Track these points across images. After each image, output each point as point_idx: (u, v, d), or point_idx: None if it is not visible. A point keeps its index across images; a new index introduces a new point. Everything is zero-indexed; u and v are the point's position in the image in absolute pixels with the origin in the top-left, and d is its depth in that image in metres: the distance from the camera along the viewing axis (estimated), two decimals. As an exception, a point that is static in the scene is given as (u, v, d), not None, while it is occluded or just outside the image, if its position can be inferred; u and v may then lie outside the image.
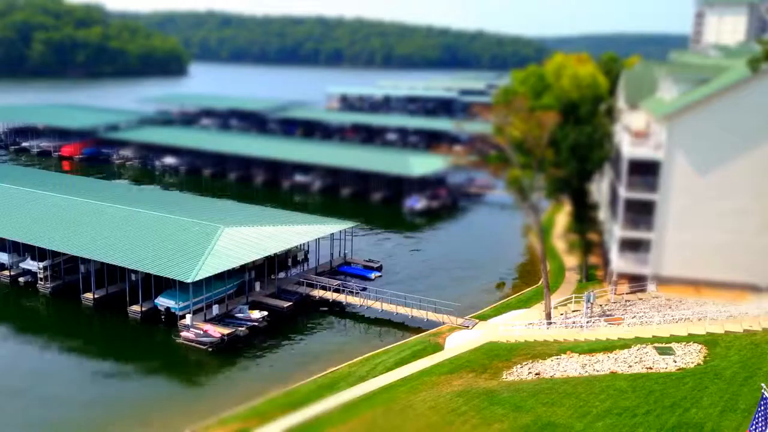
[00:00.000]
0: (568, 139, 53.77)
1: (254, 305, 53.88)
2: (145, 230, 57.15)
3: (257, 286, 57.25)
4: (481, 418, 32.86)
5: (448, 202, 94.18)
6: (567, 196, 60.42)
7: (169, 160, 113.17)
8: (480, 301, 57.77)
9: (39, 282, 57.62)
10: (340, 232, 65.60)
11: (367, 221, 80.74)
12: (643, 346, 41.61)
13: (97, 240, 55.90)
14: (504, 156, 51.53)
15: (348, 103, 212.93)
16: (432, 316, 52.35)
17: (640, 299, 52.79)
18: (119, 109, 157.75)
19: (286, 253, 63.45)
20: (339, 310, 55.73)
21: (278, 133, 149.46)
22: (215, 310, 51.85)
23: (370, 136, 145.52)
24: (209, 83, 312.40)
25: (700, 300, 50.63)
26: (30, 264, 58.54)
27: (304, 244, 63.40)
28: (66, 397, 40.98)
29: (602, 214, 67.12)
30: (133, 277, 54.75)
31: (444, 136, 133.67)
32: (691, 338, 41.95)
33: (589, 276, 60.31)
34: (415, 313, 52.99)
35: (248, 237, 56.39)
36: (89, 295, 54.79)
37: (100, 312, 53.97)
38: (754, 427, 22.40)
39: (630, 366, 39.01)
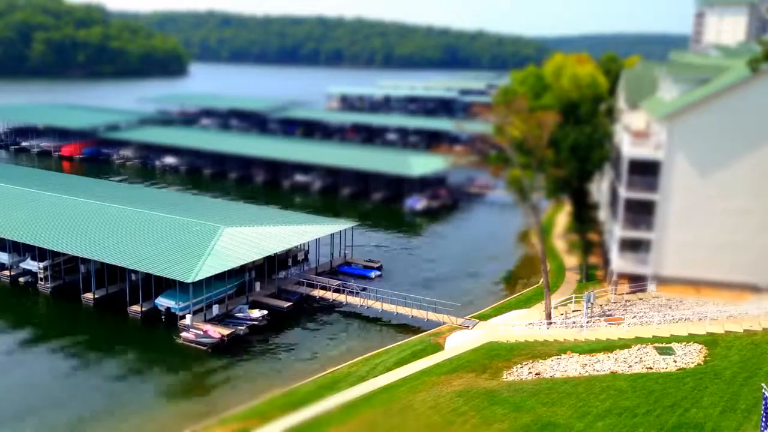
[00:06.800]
0: (568, 139, 53.76)
1: (254, 305, 53.84)
2: (146, 230, 57.15)
3: (257, 286, 57.24)
4: (481, 418, 32.88)
5: (448, 202, 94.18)
6: (567, 196, 60.42)
7: (170, 159, 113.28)
8: (480, 301, 57.77)
9: (39, 282, 57.64)
10: (340, 232, 65.59)
11: (367, 221, 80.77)
12: (644, 346, 41.62)
13: (97, 240, 55.90)
14: (504, 156, 51.54)
15: (348, 103, 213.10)
16: (432, 316, 52.34)
17: (640, 299, 52.76)
18: (119, 109, 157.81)
19: (286, 253, 63.46)
20: (339, 310, 55.74)
21: (278, 133, 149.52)
22: (215, 310, 51.85)
23: (370, 136, 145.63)
24: (209, 83, 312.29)
25: (700, 300, 50.61)
26: (30, 264, 58.54)
27: (304, 244, 63.44)
28: (65, 397, 40.99)
29: (602, 214, 67.09)
30: (133, 277, 54.75)
31: (444, 136, 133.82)
32: (691, 338, 41.96)
33: (589, 276, 60.28)
34: (415, 313, 52.98)
35: (248, 237, 56.39)
36: (89, 295, 54.82)
37: (101, 312, 53.99)
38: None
39: (630, 366, 39.01)
